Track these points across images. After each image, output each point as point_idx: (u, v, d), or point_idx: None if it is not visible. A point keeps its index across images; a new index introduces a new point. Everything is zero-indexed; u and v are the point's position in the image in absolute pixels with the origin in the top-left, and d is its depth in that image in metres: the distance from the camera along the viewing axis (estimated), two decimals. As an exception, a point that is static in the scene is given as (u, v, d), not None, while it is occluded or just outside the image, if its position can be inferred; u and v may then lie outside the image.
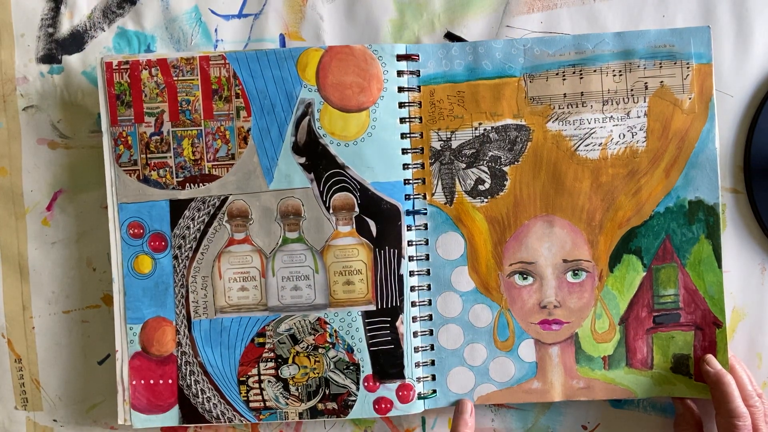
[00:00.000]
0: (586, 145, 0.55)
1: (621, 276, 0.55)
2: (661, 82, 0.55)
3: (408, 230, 0.55)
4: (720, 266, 0.55)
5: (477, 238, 0.56)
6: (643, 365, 0.56)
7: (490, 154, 0.55)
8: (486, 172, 0.56)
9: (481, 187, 0.56)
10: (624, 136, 0.55)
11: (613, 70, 0.55)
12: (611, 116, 0.55)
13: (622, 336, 0.55)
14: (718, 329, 0.55)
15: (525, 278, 0.56)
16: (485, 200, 0.56)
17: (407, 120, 0.55)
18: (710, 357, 0.55)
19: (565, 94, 0.55)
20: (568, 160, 0.55)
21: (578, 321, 0.56)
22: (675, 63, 0.54)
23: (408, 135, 0.55)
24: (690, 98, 0.54)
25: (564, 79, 0.55)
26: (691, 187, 0.55)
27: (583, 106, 0.55)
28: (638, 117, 0.55)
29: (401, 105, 0.55)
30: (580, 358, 0.56)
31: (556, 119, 0.55)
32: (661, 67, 0.55)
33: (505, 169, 0.56)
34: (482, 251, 0.56)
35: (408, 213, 0.55)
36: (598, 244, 0.55)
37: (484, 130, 0.55)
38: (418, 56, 0.55)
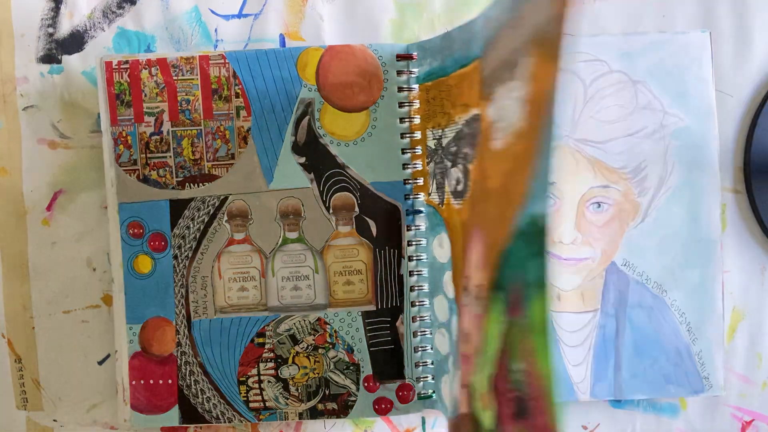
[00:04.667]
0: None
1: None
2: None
3: (408, 230, 0.55)
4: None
5: (455, 245, 0.49)
6: None
7: (464, 150, 0.48)
8: (461, 171, 0.49)
9: (459, 188, 0.49)
10: None
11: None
12: None
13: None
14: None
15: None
16: (459, 202, 0.50)
17: (407, 119, 0.55)
18: None
19: None
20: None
21: None
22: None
23: (407, 134, 0.55)
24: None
25: None
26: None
27: None
28: None
29: (401, 104, 0.55)
30: None
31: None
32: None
33: (469, 167, 0.47)
34: (458, 258, 0.48)
35: (408, 213, 0.55)
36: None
37: (462, 123, 0.49)
38: (417, 56, 0.55)
